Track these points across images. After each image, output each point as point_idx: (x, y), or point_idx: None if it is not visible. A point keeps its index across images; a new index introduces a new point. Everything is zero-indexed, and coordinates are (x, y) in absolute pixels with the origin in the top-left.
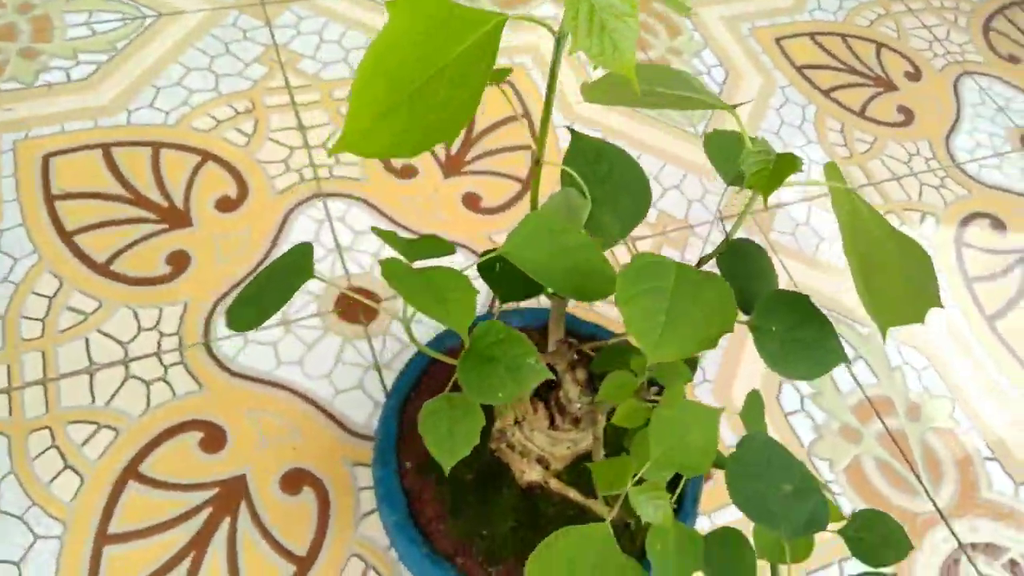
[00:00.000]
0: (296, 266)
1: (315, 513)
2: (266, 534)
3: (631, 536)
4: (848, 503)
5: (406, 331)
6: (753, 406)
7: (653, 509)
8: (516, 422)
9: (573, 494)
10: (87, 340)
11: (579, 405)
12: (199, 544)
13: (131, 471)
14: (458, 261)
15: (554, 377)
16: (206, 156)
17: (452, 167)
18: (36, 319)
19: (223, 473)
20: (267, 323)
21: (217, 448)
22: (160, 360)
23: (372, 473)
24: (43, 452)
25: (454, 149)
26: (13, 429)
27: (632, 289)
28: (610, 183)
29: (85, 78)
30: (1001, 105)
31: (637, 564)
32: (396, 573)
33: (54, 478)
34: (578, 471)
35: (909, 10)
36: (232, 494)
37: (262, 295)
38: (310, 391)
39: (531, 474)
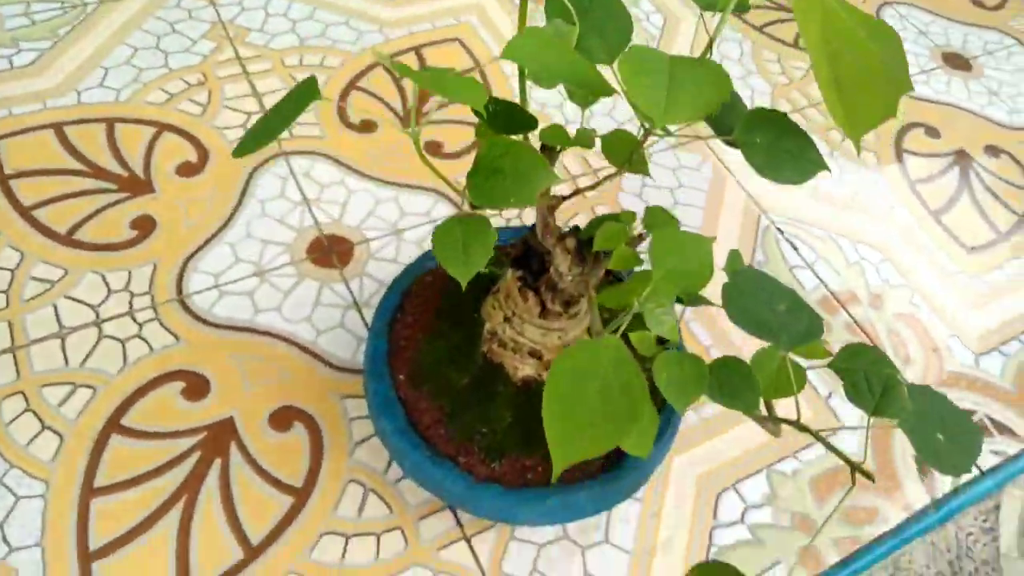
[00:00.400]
0: (302, 94)
1: (307, 446)
2: (260, 471)
3: None
4: (824, 386)
5: (415, 143)
6: (734, 261)
7: (662, 321)
8: (506, 319)
9: None
10: (55, 306)
11: (570, 277)
12: (191, 487)
13: (112, 425)
14: (427, 204)
15: (560, 179)
16: (162, 127)
17: (410, 120)
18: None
19: (209, 418)
20: (240, 273)
21: (200, 395)
22: (134, 319)
23: (365, 389)
24: (17, 417)
25: (410, 101)
26: None
27: (632, 69)
28: (593, 13)
29: (29, 64)
30: (921, 29)
31: (641, 376)
32: (396, 494)
33: (31, 440)
34: None
35: None
36: (220, 437)
37: (268, 122)
38: (291, 334)
39: (524, 369)
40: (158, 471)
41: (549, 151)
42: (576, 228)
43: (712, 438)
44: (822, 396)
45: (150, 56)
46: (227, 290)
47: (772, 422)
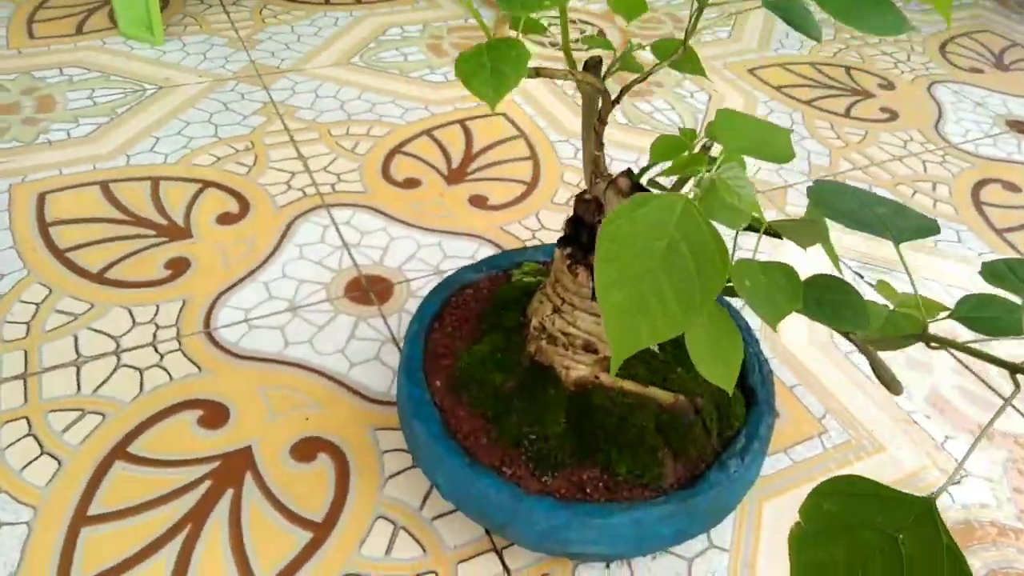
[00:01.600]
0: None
1: (332, 477)
2: (276, 503)
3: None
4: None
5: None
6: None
7: (740, 187)
8: (555, 310)
9: (630, 385)
10: (75, 336)
11: None
12: (195, 518)
13: (118, 452)
14: (471, 248)
15: None
16: (206, 184)
17: (454, 178)
18: (20, 323)
19: (225, 447)
20: (272, 309)
21: (218, 424)
22: (155, 349)
23: (398, 396)
24: (16, 441)
25: (455, 163)
26: None
27: None
28: None
29: (85, 135)
30: (978, 102)
31: (720, 236)
32: (431, 533)
33: (27, 465)
34: (631, 363)
35: (867, 43)
36: (235, 466)
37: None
38: (323, 366)
39: (578, 368)
40: (161, 500)
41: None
42: (628, 170)
43: (802, 485)
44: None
45: (201, 128)
46: (257, 324)
47: (888, 378)
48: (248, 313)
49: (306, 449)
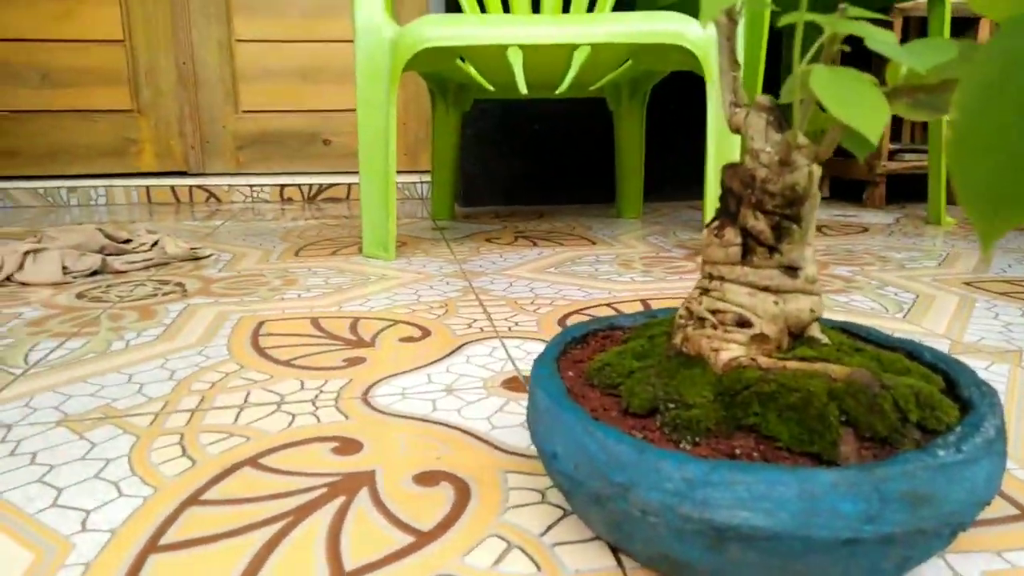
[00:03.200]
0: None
1: (451, 499)
2: (385, 511)
3: None
4: None
5: None
6: None
7: None
8: (702, 292)
9: (795, 364)
10: (247, 392)
11: (769, 148)
12: (301, 513)
13: (249, 461)
14: None
15: None
16: (398, 321)
17: None
18: (205, 382)
19: (350, 468)
20: (429, 388)
21: (350, 453)
22: (313, 403)
23: (530, 375)
24: (165, 447)
25: None
26: (144, 432)
27: None
28: None
29: (312, 296)
30: None
31: None
32: (549, 555)
33: (165, 461)
34: (794, 348)
35: None
36: (354, 482)
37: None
38: (464, 424)
39: (730, 349)
40: (273, 496)
41: None
42: (770, 96)
43: None
44: None
45: (405, 296)
46: (412, 395)
47: None
48: (405, 390)
49: (430, 478)
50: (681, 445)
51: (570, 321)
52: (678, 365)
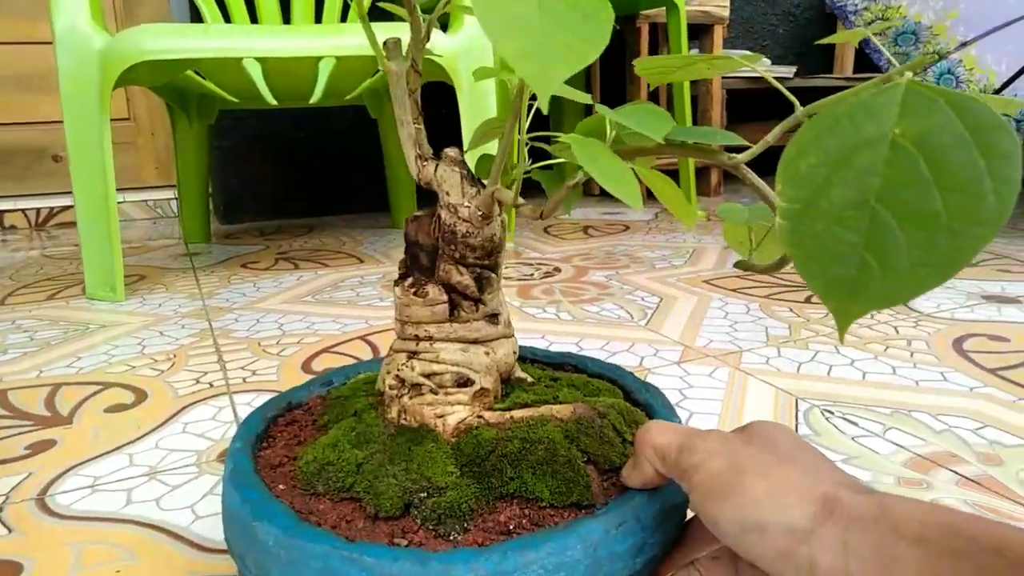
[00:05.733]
0: None
1: None
2: None
3: None
4: None
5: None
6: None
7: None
8: (410, 356)
9: (521, 413)
10: None
11: (467, 204)
12: None
13: None
14: None
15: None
16: (108, 385)
17: None
18: None
19: None
20: (127, 474)
21: None
22: None
23: (225, 516)
24: None
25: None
26: None
27: None
28: None
29: (5, 361)
30: (949, 286)
31: None
32: None
33: None
34: (510, 395)
35: None
36: None
37: None
38: (163, 520)
39: (456, 412)
40: None
41: None
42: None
43: None
44: None
45: (127, 348)
46: (103, 487)
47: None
48: (97, 480)
49: None
50: (452, 537)
51: (316, 364)
52: (406, 443)
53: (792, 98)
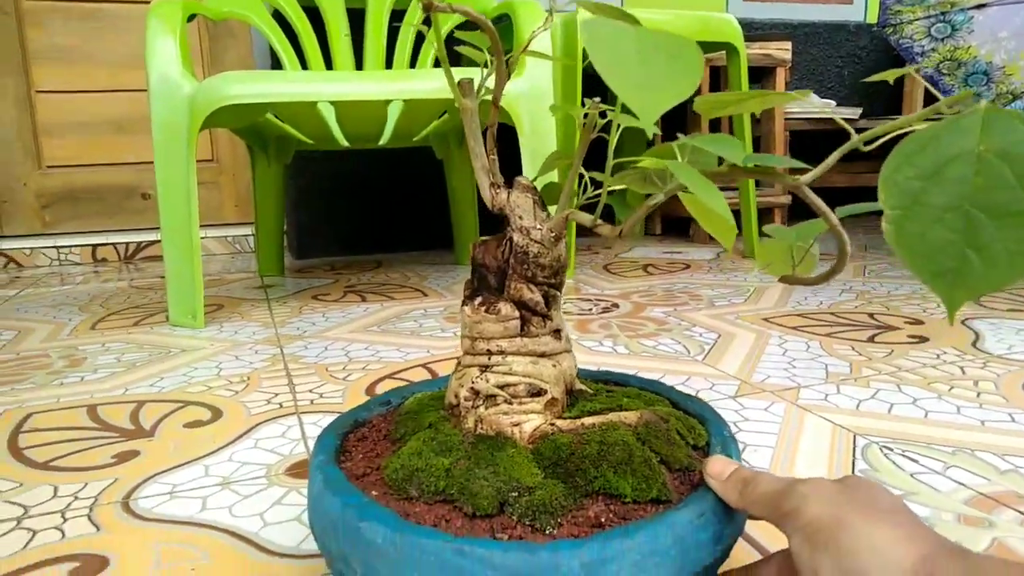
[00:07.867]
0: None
1: None
2: None
3: None
4: None
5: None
6: None
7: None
8: (482, 370)
9: (591, 420)
10: None
11: (539, 227)
12: None
13: None
14: None
15: None
16: (187, 403)
17: None
18: None
19: None
20: (204, 483)
21: (90, 574)
22: (62, 515)
23: (317, 522)
24: None
25: None
26: None
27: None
28: None
29: (95, 380)
30: (1020, 329)
31: None
32: None
33: None
34: (576, 405)
35: (892, 296)
36: None
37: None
38: (234, 525)
39: (531, 420)
40: None
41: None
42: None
43: None
44: None
45: (205, 371)
46: (181, 493)
47: None
48: (175, 487)
49: None
50: (547, 531)
51: (379, 388)
52: (488, 449)
53: (851, 131)
